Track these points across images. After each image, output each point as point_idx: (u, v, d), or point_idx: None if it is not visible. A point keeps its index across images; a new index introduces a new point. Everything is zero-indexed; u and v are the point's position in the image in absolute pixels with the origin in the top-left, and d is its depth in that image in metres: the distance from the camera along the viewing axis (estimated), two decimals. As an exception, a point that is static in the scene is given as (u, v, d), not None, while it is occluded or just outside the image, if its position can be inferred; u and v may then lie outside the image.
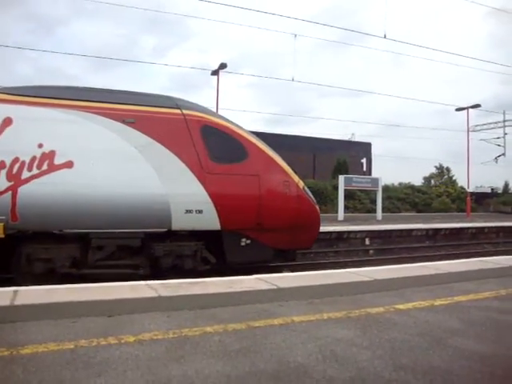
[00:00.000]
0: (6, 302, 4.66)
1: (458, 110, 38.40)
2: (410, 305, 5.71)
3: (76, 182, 7.71)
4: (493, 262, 8.82)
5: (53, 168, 7.63)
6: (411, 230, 19.24)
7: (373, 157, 56.67)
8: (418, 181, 55.72)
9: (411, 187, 47.04)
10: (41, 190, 7.49)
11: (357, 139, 58.05)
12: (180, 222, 8.34)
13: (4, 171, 7.33)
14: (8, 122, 7.57)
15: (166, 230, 8.32)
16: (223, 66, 26.86)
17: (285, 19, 35.66)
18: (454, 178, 57.86)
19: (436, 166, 61.07)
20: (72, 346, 3.87)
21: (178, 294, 5.38)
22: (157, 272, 8.25)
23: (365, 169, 54.73)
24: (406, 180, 49.93)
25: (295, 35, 23.74)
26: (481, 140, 40.33)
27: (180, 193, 8.34)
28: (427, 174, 61.91)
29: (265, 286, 5.95)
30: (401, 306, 5.62)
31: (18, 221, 7.38)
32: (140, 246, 8.26)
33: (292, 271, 9.10)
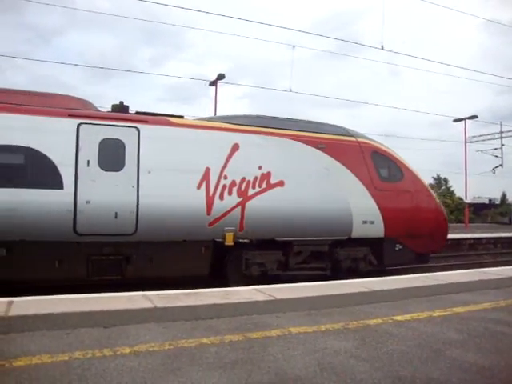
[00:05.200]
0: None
1: (456, 120, 38.62)
2: (408, 316, 5.67)
3: (286, 198, 9.34)
4: (492, 272, 8.80)
5: (270, 186, 9.25)
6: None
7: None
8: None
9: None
10: (261, 204, 9.08)
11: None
12: (358, 231, 10.09)
13: (235, 189, 8.92)
14: (236, 147, 9.11)
15: (346, 237, 10.04)
16: (221, 76, 26.96)
17: (283, 30, 35.85)
18: (451, 189, 57.96)
19: (434, 177, 61.22)
20: (66, 358, 3.81)
21: (174, 305, 5.35)
22: (336, 273, 9.84)
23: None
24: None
25: (293, 46, 23.95)
26: (478, 151, 40.48)
27: (359, 207, 10.07)
28: (425, 185, 61.78)
29: (262, 297, 5.92)
30: (399, 318, 5.57)
31: (243, 231, 8.95)
32: (327, 252, 9.94)
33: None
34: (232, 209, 8.84)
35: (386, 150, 11.28)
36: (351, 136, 10.79)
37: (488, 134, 40.50)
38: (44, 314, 4.73)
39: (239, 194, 8.94)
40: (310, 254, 9.83)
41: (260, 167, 9.20)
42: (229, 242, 8.79)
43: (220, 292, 6.17)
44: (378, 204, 10.28)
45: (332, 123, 11.12)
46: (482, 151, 40.14)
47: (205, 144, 8.94)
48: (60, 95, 8.93)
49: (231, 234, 8.76)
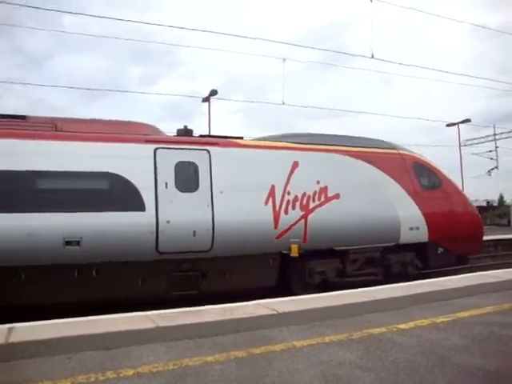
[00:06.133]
0: (0, 340, 4.57)
1: (449, 125, 38.88)
2: (412, 323, 5.65)
3: (342, 209, 9.93)
4: (493, 275, 8.77)
5: (327, 199, 9.88)
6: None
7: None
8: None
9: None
10: (321, 217, 9.67)
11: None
12: (405, 237, 10.68)
13: (298, 203, 9.52)
14: (296, 165, 9.75)
15: (395, 243, 10.61)
16: (214, 92, 27.10)
17: (273, 43, 36.07)
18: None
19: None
20: (69, 383, 3.78)
21: (176, 324, 5.30)
22: (387, 278, 10.28)
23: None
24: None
25: (284, 59, 24.07)
26: (473, 154, 40.64)
27: (406, 214, 10.71)
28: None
29: (264, 312, 5.88)
30: (403, 326, 5.55)
31: (306, 242, 9.48)
32: (379, 258, 10.53)
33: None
34: (296, 222, 9.45)
35: (424, 159, 12.09)
36: (393, 148, 11.65)
37: (482, 137, 40.76)
38: (45, 339, 4.67)
39: (301, 207, 9.58)
40: (364, 261, 10.45)
41: (318, 182, 9.88)
42: (294, 253, 9.37)
43: (222, 308, 6.13)
44: (421, 211, 10.99)
45: (380, 139, 12.04)
46: (476, 154, 40.33)
47: (269, 163, 9.63)
48: (132, 122, 9.55)
49: (296, 245, 9.36)
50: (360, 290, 7.89)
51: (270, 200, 9.32)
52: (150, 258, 8.27)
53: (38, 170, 7.81)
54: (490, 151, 39.56)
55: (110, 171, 8.25)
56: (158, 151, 8.69)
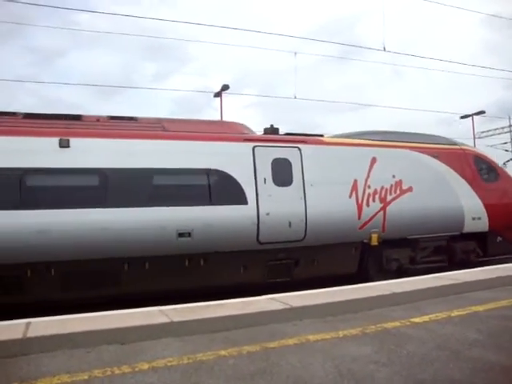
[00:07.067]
0: (18, 335, 4.64)
1: (463, 117, 38.31)
2: (426, 317, 5.61)
3: (414, 201, 10.75)
4: (510, 268, 8.67)
5: (402, 192, 10.71)
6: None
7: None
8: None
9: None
10: (397, 208, 10.53)
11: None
12: (468, 227, 11.52)
13: (377, 196, 10.38)
14: (374, 160, 10.55)
15: (459, 233, 11.46)
16: (225, 87, 27.05)
17: (284, 37, 35.83)
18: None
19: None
20: (86, 377, 3.83)
21: (190, 319, 5.33)
22: (451, 265, 10.98)
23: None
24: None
25: (295, 53, 23.82)
26: (487, 146, 40.10)
27: (469, 205, 11.51)
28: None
29: (278, 306, 5.89)
30: (417, 320, 5.52)
31: (385, 232, 10.37)
32: (445, 246, 11.30)
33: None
34: (376, 213, 10.32)
35: (483, 154, 13.07)
36: (455, 144, 12.61)
37: (496, 129, 40.16)
38: (61, 333, 4.74)
39: (380, 200, 10.44)
40: (432, 249, 11.20)
41: (393, 176, 10.71)
42: (374, 242, 10.24)
43: (236, 303, 6.15)
44: (482, 202, 11.76)
45: (441, 135, 12.96)
46: (491, 146, 39.77)
47: (351, 159, 10.46)
48: (229, 122, 10.45)
49: (376, 235, 10.25)
50: (376, 283, 7.88)
51: (354, 193, 10.20)
52: (252, 248, 9.09)
53: (153, 167, 8.57)
54: (505, 143, 39.03)
55: (216, 168, 9.04)
56: (256, 149, 9.51)
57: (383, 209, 10.45)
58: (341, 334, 5.00)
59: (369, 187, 10.36)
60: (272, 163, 9.54)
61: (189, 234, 8.44)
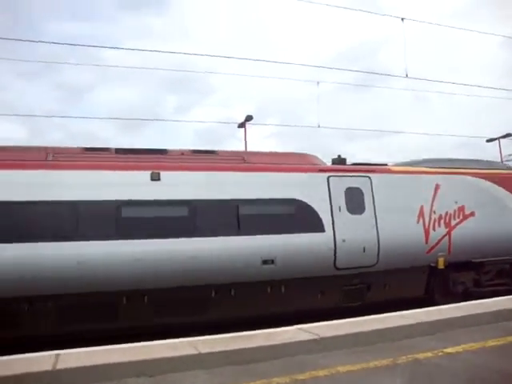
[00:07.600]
0: (48, 367, 4.68)
1: (489, 141, 37.68)
2: (459, 347, 5.44)
3: (477, 225, 11.02)
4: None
5: (465, 217, 11.00)
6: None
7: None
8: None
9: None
10: (461, 232, 10.78)
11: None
12: None
13: (442, 221, 10.71)
14: (437, 187, 10.93)
15: None
16: (249, 118, 27.34)
17: (306, 67, 36.13)
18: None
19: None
20: (115, 410, 3.82)
21: (218, 350, 5.29)
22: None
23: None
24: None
25: (318, 82, 24.04)
26: (517, 169, 39.27)
27: None
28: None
29: (306, 337, 5.81)
30: (450, 350, 5.36)
31: (450, 255, 10.58)
32: (507, 269, 11.36)
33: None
34: (442, 237, 10.59)
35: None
36: (510, 169, 13.28)
37: (525, 152, 39.30)
38: (90, 365, 4.75)
39: (445, 224, 10.75)
40: (495, 273, 11.27)
41: (456, 202, 11.01)
42: (441, 265, 10.47)
43: (264, 334, 6.08)
44: None
45: (479, 159, 13.28)
46: (521, 169, 38.92)
47: (416, 186, 10.85)
48: (303, 154, 10.88)
49: (443, 258, 10.47)
50: (402, 312, 7.68)
51: (421, 219, 10.55)
52: (329, 273, 9.36)
53: (237, 198, 9.01)
54: (534, 166, 38.17)
55: (296, 197, 9.47)
56: (331, 179, 9.92)
57: (448, 233, 10.73)
58: (371, 364, 4.89)
59: (434, 212, 10.69)
60: (345, 192, 9.93)
61: (272, 261, 8.81)
